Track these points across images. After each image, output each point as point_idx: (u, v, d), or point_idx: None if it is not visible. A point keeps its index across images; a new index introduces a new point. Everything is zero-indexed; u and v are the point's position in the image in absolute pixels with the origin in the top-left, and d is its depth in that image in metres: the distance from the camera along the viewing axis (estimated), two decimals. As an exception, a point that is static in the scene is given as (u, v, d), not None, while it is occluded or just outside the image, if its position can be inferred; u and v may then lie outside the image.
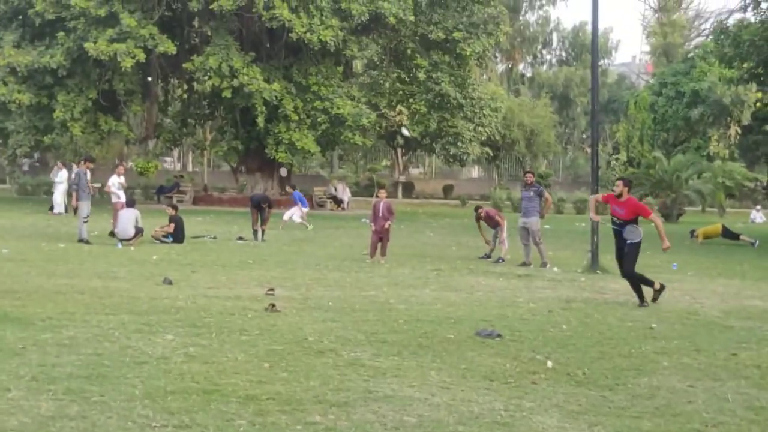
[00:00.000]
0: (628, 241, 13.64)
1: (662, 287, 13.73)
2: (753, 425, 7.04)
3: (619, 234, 13.81)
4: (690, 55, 65.41)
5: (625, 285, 14.57)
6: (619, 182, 14.10)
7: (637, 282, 13.68)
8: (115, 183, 24.51)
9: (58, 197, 33.20)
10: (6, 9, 40.97)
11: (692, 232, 29.84)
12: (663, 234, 13.97)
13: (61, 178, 33.63)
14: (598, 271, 18.20)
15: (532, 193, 20.52)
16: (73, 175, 24.51)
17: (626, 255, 13.67)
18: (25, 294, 12.55)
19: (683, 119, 60.39)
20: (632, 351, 9.91)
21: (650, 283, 13.66)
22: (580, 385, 8.20)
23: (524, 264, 19.99)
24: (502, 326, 11.09)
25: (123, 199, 24.60)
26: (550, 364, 9.02)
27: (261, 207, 25.16)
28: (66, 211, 31.82)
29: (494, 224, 21.86)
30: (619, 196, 13.82)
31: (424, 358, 9.14)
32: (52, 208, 32.77)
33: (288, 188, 35.63)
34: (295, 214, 31.04)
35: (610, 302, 13.42)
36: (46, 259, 17.79)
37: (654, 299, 13.64)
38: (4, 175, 61.57)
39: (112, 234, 22.87)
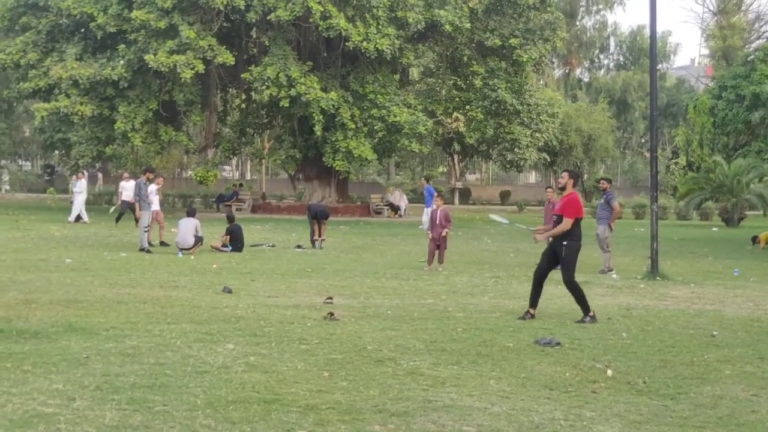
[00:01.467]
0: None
1: (593, 317, 12.43)
2: (819, 436, 6.93)
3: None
4: (750, 58, 64.24)
5: (686, 292, 14.41)
6: (564, 174, 13.43)
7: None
8: (153, 190, 24.67)
9: (77, 206, 33.47)
10: (69, 23, 41.61)
11: (754, 238, 29.40)
12: (553, 231, 12.82)
13: (80, 188, 33.91)
14: (658, 278, 17.99)
15: (602, 200, 20.46)
16: (135, 186, 24.76)
17: (562, 259, 12.81)
18: (88, 304, 12.72)
19: (744, 122, 59.35)
20: (694, 359, 9.79)
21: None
22: (641, 394, 8.13)
23: (605, 271, 19.78)
24: (561, 334, 11.03)
25: (157, 207, 25.06)
26: (610, 372, 8.95)
27: (319, 218, 25.30)
28: (78, 220, 32.55)
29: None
30: (563, 189, 13.06)
31: (483, 366, 9.12)
32: (79, 218, 33.01)
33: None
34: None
35: (671, 309, 13.25)
36: (109, 268, 18.01)
37: (580, 321, 12.41)
38: (66, 185, 62.75)
39: (162, 243, 23.41)
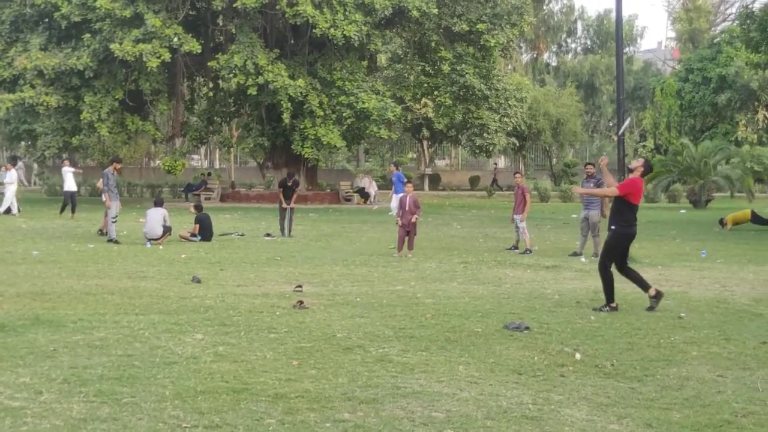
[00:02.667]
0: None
1: (613, 308, 12.19)
2: (783, 415, 7.01)
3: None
4: (716, 41, 64.86)
5: (653, 275, 14.52)
6: (641, 159, 13.25)
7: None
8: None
9: (8, 198, 32.46)
10: (32, 12, 41.18)
11: (721, 220, 29.62)
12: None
13: (10, 178, 32.95)
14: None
15: (592, 185, 20.06)
16: (103, 177, 24.54)
17: (606, 242, 12.85)
18: (55, 296, 12.67)
19: (710, 105, 60.06)
20: (661, 341, 9.89)
21: (644, 287, 12.50)
22: (608, 377, 8.20)
23: (575, 254, 19.90)
24: (530, 319, 11.10)
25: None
26: (578, 356, 9.03)
27: (287, 189, 25.43)
28: (16, 211, 31.77)
29: (521, 206, 21.54)
30: (631, 171, 12.76)
31: (452, 352, 9.17)
32: (8, 210, 31.97)
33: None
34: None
35: (638, 292, 13.31)
36: (76, 260, 17.93)
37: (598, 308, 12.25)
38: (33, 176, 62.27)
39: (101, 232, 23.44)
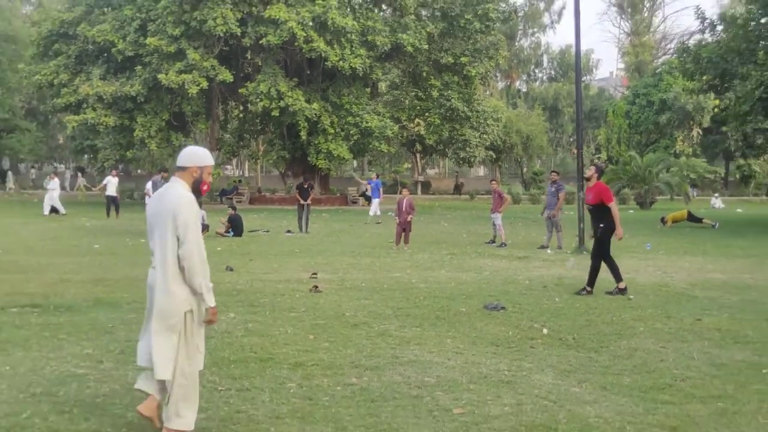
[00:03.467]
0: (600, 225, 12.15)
1: (621, 290, 11.92)
2: (715, 379, 7.01)
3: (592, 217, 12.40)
4: (658, 71, 64.89)
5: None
6: (591, 167, 12.84)
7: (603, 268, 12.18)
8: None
9: (51, 200, 31.91)
10: (93, 48, 41.24)
11: (662, 218, 29.58)
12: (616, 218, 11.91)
13: (53, 185, 32.52)
14: (584, 252, 18.02)
15: (553, 189, 20.36)
16: (150, 183, 24.45)
17: (597, 239, 12.22)
18: (113, 282, 12.64)
19: (653, 123, 60.07)
20: (614, 319, 9.86)
21: (617, 277, 12.12)
22: (570, 348, 8.18)
23: (542, 247, 19.86)
24: (505, 300, 11.07)
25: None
26: (545, 331, 9.00)
27: (303, 191, 25.47)
28: (54, 212, 31.23)
29: (498, 206, 21.54)
30: (588, 180, 12.53)
31: (441, 328, 9.14)
32: (56, 210, 31.61)
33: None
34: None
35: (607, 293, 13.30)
36: (131, 252, 17.86)
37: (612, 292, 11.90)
38: (95, 183, 62.09)
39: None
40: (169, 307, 5.34)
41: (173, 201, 5.37)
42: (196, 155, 5.64)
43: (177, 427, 5.26)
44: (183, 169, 5.55)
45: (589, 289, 11.98)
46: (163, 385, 5.34)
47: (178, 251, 5.35)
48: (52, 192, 32.35)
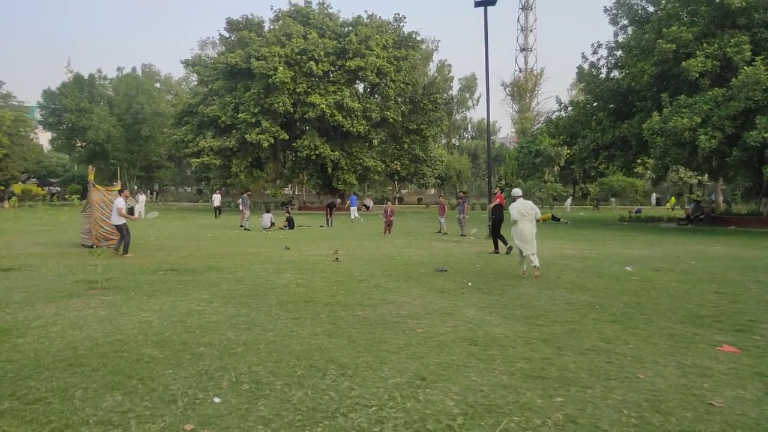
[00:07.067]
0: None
1: (508, 249, 13.08)
2: (568, 312, 6.99)
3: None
4: (534, 133, 64.95)
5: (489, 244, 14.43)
6: (497, 190, 14.58)
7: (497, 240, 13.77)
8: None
9: (140, 208, 27.78)
10: (207, 120, 40.86)
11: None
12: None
13: (141, 200, 29.32)
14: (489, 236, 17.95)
15: (462, 202, 20.38)
16: (240, 199, 24.28)
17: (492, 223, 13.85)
18: (219, 255, 12.56)
19: (531, 164, 60.04)
20: (509, 276, 9.81)
21: (505, 243, 13.59)
22: (484, 293, 8.16)
23: (462, 235, 19.80)
24: (447, 265, 11.03)
25: (135, 215, 20.82)
26: (470, 284, 8.98)
27: (330, 208, 25.31)
28: (144, 216, 25.11)
29: (442, 212, 21.54)
30: (495, 195, 14.31)
31: (410, 282, 9.09)
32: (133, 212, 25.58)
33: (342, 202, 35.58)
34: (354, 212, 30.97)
35: (501, 254, 13.30)
36: (230, 239, 17.77)
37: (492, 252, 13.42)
38: (208, 198, 61.72)
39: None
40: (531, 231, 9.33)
41: (529, 204, 9.41)
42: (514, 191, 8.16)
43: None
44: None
45: (496, 251, 13.23)
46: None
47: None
48: (141, 203, 29.06)
